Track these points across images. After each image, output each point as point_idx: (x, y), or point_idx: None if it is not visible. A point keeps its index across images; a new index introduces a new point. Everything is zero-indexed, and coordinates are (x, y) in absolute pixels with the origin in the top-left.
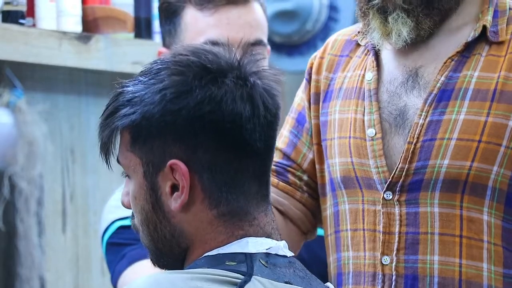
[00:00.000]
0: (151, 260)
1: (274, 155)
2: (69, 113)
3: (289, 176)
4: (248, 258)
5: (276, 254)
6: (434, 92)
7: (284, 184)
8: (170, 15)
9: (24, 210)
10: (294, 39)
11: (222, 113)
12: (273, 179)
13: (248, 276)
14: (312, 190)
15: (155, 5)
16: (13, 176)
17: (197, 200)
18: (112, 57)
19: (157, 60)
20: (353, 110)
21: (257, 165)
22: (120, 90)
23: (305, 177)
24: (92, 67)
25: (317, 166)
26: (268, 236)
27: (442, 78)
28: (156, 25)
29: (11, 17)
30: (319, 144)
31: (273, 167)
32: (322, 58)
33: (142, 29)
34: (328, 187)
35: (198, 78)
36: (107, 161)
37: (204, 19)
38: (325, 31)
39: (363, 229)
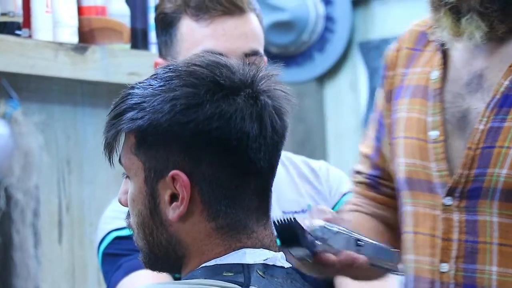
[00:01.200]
0: (142, 261)
1: (363, 163)
2: (65, 124)
3: (382, 188)
4: (245, 268)
5: (274, 265)
6: (497, 96)
7: (381, 196)
8: (166, 26)
9: (20, 221)
10: (291, 50)
11: (230, 130)
12: (369, 193)
13: (245, 286)
14: None
15: (152, 16)
16: (9, 187)
17: (196, 211)
18: (108, 68)
19: (169, 66)
20: (417, 110)
21: (259, 182)
22: (129, 91)
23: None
24: (88, 78)
25: (392, 164)
26: (266, 247)
27: (506, 83)
28: (152, 36)
29: (7, 28)
30: (391, 143)
31: (365, 180)
32: (398, 51)
33: (138, 40)
34: (398, 186)
35: (210, 93)
36: (109, 159)
37: (200, 30)
38: (322, 42)
39: (423, 233)
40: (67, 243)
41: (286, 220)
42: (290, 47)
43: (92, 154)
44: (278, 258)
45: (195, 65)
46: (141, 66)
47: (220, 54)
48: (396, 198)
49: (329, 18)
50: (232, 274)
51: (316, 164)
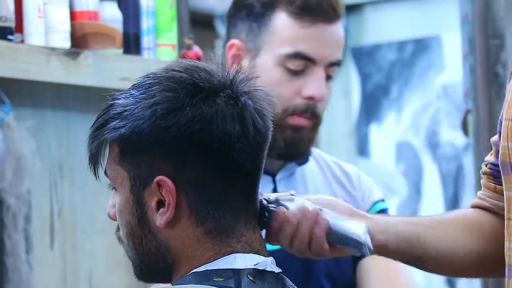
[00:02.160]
0: (134, 273)
1: (491, 152)
2: (57, 129)
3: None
4: (236, 274)
5: (264, 270)
6: None
7: (501, 187)
8: (257, 13)
9: (12, 226)
10: None
11: (212, 132)
12: (490, 184)
13: None
14: None
15: (144, 21)
16: (0, 192)
17: (183, 216)
18: (101, 73)
19: (149, 74)
20: None
21: (245, 184)
22: (111, 102)
23: None
24: (80, 83)
25: None
26: (256, 252)
27: None
28: (145, 41)
29: (0, 33)
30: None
31: (488, 170)
32: None
33: (131, 45)
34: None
35: (189, 96)
36: (95, 172)
37: (297, 30)
38: None
39: None
40: (59, 249)
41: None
42: None
43: (84, 159)
44: (269, 263)
45: (174, 70)
46: (133, 71)
47: (307, 58)
48: None
49: None
50: (222, 279)
51: (348, 167)
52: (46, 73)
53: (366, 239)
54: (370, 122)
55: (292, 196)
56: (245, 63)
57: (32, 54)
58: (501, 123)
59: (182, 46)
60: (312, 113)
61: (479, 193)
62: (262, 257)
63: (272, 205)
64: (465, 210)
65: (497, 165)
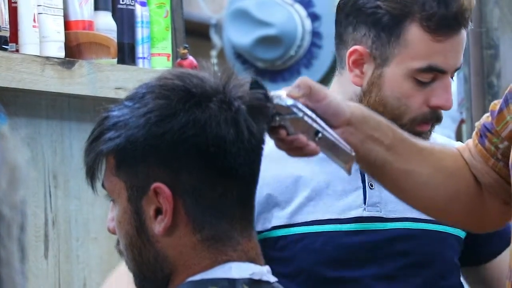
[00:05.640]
0: (135, 284)
1: (486, 116)
2: (52, 139)
3: (486, 141)
4: (231, 283)
5: (260, 280)
6: None
7: (481, 147)
8: (382, 23)
9: (6, 236)
10: (277, 65)
11: (206, 137)
12: (475, 140)
13: None
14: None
15: (139, 31)
16: None
17: (181, 224)
18: (95, 82)
19: (142, 85)
20: None
21: (242, 189)
22: (106, 114)
23: (501, 145)
24: (75, 92)
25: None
26: (252, 261)
27: None
28: (139, 50)
29: None
30: None
31: (479, 126)
32: None
33: (125, 55)
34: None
35: (182, 102)
36: (92, 185)
37: (433, 44)
38: (308, 57)
39: None
40: (53, 258)
41: (257, 83)
42: (277, 62)
43: (78, 169)
44: (264, 273)
45: (166, 78)
46: (128, 80)
47: (439, 70)
48: (499, 160)
49: (316, 34)
50: None
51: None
52: (41, 82)
53: (347, 158)
54: None
55: (301, 116)
56: (367, 69)
57: (26, 63)
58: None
59: (177, 55)
60: (436, 118)
61: (467, 141)
62: (258, 266)
63: (277, 118)
64: (452, 153)
65: (487, 127)
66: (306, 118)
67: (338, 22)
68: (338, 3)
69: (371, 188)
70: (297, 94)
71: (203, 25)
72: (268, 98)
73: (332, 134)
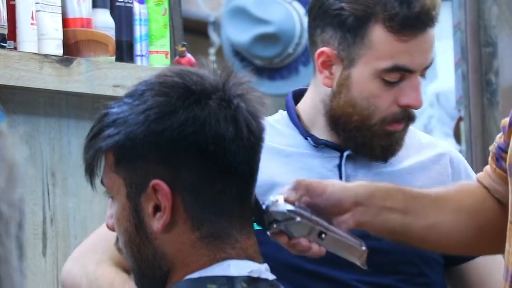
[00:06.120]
0: (135, 283)
1: (500, 134)
2: (50, 136)
3: (503, 162)
4: (229, 281)
5: (258, 278)
6: None
7: (500, 171)
8: (348, 25)
9: (4, 234)
10: (276, 63)
11: (205, 134)
12: (492, 165)
13: None
14: None
15: (137, 29)
16: None
17: (180, 221)
18: (94, 80)
19: (142, 82)
20: None
21: (241, 187)
22: (105, 111)
23: None
24: (73, 90)
25: None
26: (251, 259)
27: None
28: (137, 48)
29: None
30: None
31: (493, 149)
32: None
33: (123, 53)
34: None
35: (182, 99)
36: (91, 182)
37: (397, 44)
38: (307, 55)
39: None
40: (52, 256)
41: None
42: (275, 60)
43: (77, 166)
44: (263, 270)
45: (166, 75)
46: (126, 78)
47: (406, 70)
48: None
49: None
50: (216, 286)
51: None
52: (39, 80)
53: (357, 251)
54: None
55: (299, 221)
56: (336, 71)
57: (24, 61)
58: (510, 124)
59: (175, 53)
60: (408, 118)
61: (486, 167)
62: (257, 264)
63: (275, 225)
64: (472, 185)
65: (501, 147)
66: (305, 221)
67: (308, 25)
68: (308, 6)
69: None
70: (294, 197)
71: (201, 23)
72: (263, 207)
73: (337, 232)
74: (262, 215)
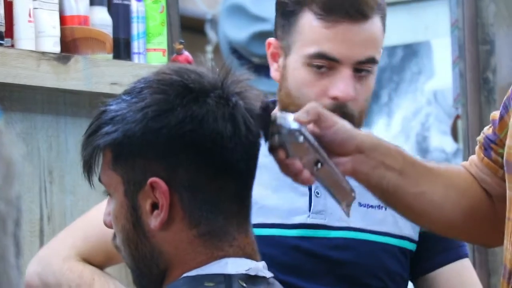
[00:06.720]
0: (133, 281)
1: (489, 127)
2: (47, 134)
3: (492, 153)
4: (227, 279)
5: (256, 275)
6: None
7: (488, 160)
8: (287, 12)
9: (1, 231)
10: None
11: (203, 132)
12: (480, 154)
13: None
14: None
15: (134, 26)
16: None
17: (177, 218)
18: (91, 77)
19: (140, 79)
20: None
21: (238, 185)
22: (103, 109)
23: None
24: (70, 87)
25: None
26: (248, 257)
27: None
28: (135, 46)
29: None
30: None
31: (481, 139)
32: None
33: (121, 50)
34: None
35: (180, 97)
36: (89, 180)
37: (321, 30)
38: None
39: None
40: None
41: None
42: None
43: (74, 164)
44: (260, 268)
45: (164, 73)
46: (124, 76)
47: (331, 58)
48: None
49: None
50: (213, 284)
51: None
52: (36, 77)
53: (344, 195)
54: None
55: (302, 141)
56: (281, 62)
57: (22, 58)
58: (505, 107)
59: (172, 51)
60: (342, 113)
61: (471, 157)
62: (254, 262)
63: (276, 138)
64: (460, 169)
65: (490, 138)
66: (307, 144)
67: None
68: None
69: (317, 196)
70: (304, 119)
71: (199, 20)
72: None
73: (333, 168)
74: (268, 126)
